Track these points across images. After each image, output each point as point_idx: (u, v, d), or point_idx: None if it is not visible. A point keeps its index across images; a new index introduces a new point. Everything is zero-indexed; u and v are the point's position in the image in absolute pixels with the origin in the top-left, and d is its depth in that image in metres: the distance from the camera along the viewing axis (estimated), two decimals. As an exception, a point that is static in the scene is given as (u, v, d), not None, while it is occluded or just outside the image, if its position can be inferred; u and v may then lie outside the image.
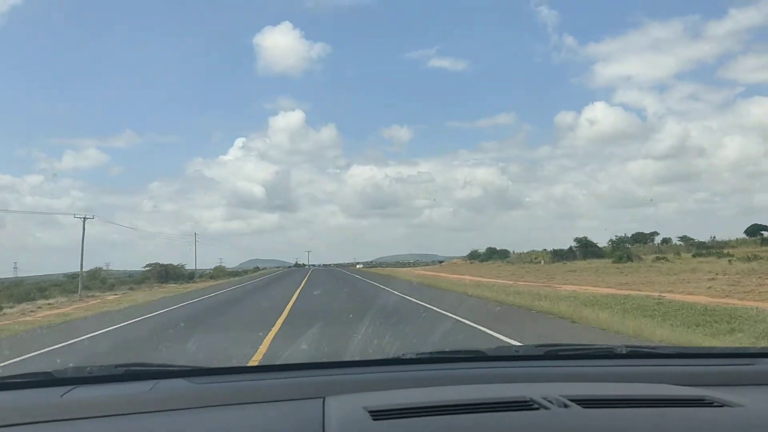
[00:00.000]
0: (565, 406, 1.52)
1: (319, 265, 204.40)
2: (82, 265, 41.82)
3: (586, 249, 54.01)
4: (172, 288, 45.07)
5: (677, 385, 1.86)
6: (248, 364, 3.68)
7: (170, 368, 2.06)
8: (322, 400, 1.68)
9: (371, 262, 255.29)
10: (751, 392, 1.83)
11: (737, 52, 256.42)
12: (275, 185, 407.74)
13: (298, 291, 29.13)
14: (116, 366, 2.02)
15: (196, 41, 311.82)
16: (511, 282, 35.93)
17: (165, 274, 63.53)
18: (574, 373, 2.10)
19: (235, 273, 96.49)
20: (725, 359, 2.33)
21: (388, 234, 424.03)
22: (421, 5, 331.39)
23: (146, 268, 68.00)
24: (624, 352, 2.34)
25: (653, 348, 2.69)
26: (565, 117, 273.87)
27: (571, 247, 56.59)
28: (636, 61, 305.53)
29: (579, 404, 1.53)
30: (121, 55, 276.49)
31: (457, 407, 1.53)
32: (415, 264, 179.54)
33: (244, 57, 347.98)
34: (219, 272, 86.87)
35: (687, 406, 1.61)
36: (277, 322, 14.03)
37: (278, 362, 2.65)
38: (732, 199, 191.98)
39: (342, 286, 34.82)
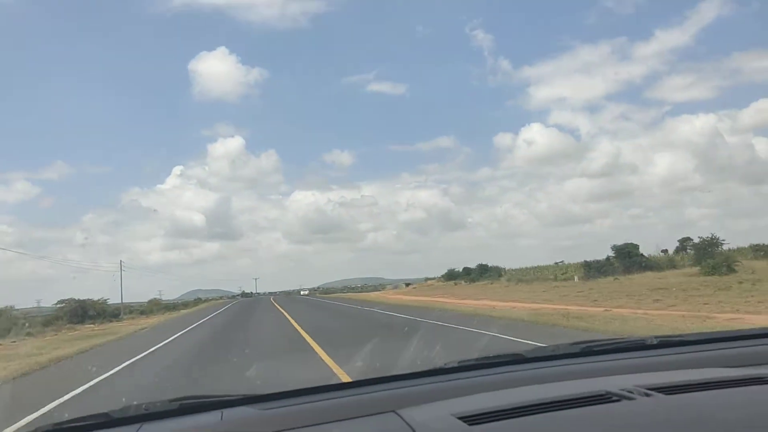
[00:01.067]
0: (647, 395, 1.49)
1: (266, 293, 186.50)
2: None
3: (630, 260, 43.45)
4: (86, 331, 31.46)
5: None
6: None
7: (230, 397, 1.88)
8: (393, 413, 1.63)
9: (318, 287, 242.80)
10: None
11: (663, 73, 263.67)
12: (216, 213, 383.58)
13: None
14: (171, 401, 1.84)
15: (129, 67, 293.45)
16: (601, 309, 23.93)
17: (82, 311, 50.20)
18: (616, 367, 2.06)
19: (172, 306, 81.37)
20: (751, 340, 2.29)
21: (333, 259, 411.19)
22: (358, 30, 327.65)
23: (59, 305, 54.61)
24: (655, 342, 2.28)
25: (681, 336, 2.49)
26: (503, 138, 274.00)
27: (608, 258, 46.10)
28: (568, 83, 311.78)
29: (659, 392, 1.50)
30: (50, 83, 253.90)
31: (540, 406, 1.48)
32: (363, 288, 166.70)
33: (179, 83, 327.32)
34: (153, 306, 72.42)
35: (752, 384, 1.56)
36: None
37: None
38: (664, 213, 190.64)
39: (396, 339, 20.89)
